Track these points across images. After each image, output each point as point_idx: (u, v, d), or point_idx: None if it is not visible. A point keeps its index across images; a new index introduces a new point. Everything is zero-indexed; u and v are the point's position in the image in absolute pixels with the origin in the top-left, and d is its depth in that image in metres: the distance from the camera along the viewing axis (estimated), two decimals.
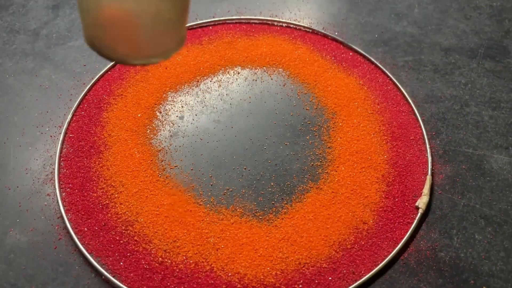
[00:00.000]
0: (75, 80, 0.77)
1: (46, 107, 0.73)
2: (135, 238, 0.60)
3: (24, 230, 0.61)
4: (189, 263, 0.58)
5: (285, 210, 0.62)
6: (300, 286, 0.56)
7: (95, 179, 0.65)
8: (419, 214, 0.62)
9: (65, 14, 0.88)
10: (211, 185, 0.64)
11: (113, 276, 0.56)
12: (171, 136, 0.69)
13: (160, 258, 0.58)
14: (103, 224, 0.61)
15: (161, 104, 0.74)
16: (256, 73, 0.77)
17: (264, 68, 0.78)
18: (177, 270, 0.57)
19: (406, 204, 0.63)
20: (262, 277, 0.57)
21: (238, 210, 0.62)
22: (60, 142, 0.68)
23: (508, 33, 0.85)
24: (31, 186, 0.65)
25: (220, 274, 0.57)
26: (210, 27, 0.85)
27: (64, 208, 0.62)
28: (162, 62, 0.79)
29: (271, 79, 0.77)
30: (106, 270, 0.57)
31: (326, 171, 0.66)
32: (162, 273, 0.57)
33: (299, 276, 0.57)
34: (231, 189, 0.64)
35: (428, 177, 0.65)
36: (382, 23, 0.86)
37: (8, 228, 0.61)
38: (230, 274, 0.57)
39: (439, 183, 0.66)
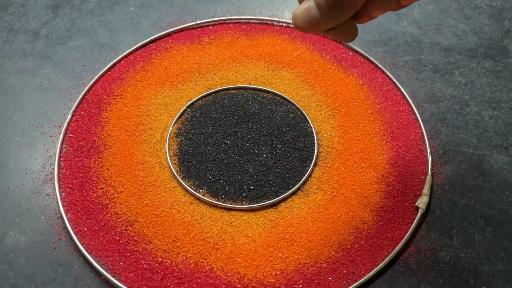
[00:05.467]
0: (74, 80, 0.77)
1: (45, 107, 0.73)
2: (135, 238, 0.60)
3: (23, 230, 0.61)
4: (189, 263, 0.57)
5: (285, 210, 0.62)
6: (300, 286, 0.56)
7: (95, 179, 0.65)
8: (419, 214, 0.62)
9: (65, 14, 0.87)
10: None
11: (113, 276, 0.56)
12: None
13: (160, 258, 0.58)
14: (103, 224, 0.61)
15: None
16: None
17: (264, 68, 0.78)
18: (177, 270, 0.57)
19: (406, 204, 0.63)
20: (262, 277, 0.57)
21: (238, 209, 0.62)
22: (59, 142, 0.68)
23: (508, 33, 0.85)
24: (30, 186, 0.65)
25: (220, 274, 0.57)
26: (210, 27, 0.85)
27: (63, 208, 0.62)
28: (162, 62, 0.79)
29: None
30: (105, 270, 0.57)
31: (325, 171, 0.66)
32: (162, 273, 0.57)
33: (299, 276, 0.57)
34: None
35: (428, 177, 0.65)
36: (382, 23, 0.86)
37: (7, 228, 0.61)
38: (230, 274, 0.57)
39: (439, 183, 0.66)
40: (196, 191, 0.63)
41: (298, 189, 0.64)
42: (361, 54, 0.81)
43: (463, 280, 0.57)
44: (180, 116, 0.72)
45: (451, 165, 0.67)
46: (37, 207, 0.63)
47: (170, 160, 0.66)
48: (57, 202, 0.63)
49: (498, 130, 0.71)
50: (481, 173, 0.67)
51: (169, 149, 0.68)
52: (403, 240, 0.60)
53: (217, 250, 0.58)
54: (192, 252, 0.58)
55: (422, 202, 0.62)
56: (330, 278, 0.57)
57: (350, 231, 0.61)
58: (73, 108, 0.72)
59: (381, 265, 0.58)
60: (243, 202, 0.63)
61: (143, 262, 0.58)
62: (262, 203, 0.62)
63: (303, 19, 0.38)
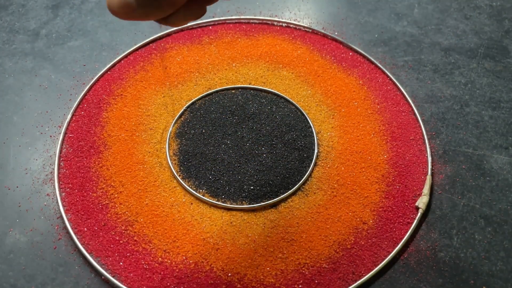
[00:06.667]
0: (74, 80, 0.77)
1: (45, 107, 0.73)
2: (135, 238, 0.60)
3: (23, 230, 0.61)
4: (188, 263, 0.57)
5: (285, 210, 0.62)
6: (300, 286, 0.56)
7: (95, 179, 0.65)
8: (419, 214, 0.62)
9: (65, 14, 0.87)
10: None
11: (113, 276, 0.56)
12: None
13: (159, 258, 0.58)
14: (103, 224, 0.61)
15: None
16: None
17: (264, 68, 0.78)
18: (177, 270, 0.57)
19: (406, 204, 0.63)
20: (262, 277, 0.57)
21: (237, 209, 0.62)
22: (59, 142, 0.68)
23: (508, 33, 0.85)
24: (30, 186, 0.65)
25: (219, 274, 0.57)
26: (210, 27, 0.85)
27: (63, 208, 0.62)
28: (162, 62, 0.79)
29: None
30: (105, 270, 0.57)
31: (325, 171, 0.66)
32: (162, 273, 0.57)
33: (299, 276, 0.57)
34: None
35: (428, 177, 0.65)
36: (382, 23, 0.86)
37: (7, 228, 0.61)
38: (230, 274, 0.57)
39: (439, 183, 0.66)
40: (196, 191, 0.63)
41: (298, 189, 0.64)
42: (361, 54, 0.81)
43: (463, 280, 0.57)
44: (180, 116, 0.72)
45: (451, 165, 0.67)
46: (37, 207, 0.63)
47: (170, 160, 0.66)
48: (57, 202, 0.63)
49: (498, 130, 0.71)
50: (481, 173, 0.67)
51: (169, 149, 0.68)
52: (403, 240, 0.60)
53: (217, 250, 0.58)
54: (192, 252, 0.58)
55: (422, 202, 0.62)
56: (330, 278, 0.57)
57: (350, 231, 0.61)
58: (73, 108, 0.72)
59: (381, 265, 0.58)
60: (243, 202, 0.63)
61: (143, 262, 0.58)
62: (262, 203, 0.62)
63: (117, 2, 0.36)
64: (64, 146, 0.69)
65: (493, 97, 0.75)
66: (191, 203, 0.63)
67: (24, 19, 0.86)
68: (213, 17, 0.87)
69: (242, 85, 0.75)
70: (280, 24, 0.86)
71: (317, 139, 0.69)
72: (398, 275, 0.57)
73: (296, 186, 0.64)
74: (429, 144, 0.69)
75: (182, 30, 0.84)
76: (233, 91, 0.75)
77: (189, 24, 0.84)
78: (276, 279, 0.56)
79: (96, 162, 0.67)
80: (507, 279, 0.57)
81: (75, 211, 0.62)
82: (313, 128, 0.70)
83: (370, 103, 0.74)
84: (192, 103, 0.73)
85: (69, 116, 0.71)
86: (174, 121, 0.71)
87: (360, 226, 0.61)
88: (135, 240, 0.59)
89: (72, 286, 0.56)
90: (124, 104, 0.73)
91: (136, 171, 0.65)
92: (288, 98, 0.74)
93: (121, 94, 0.75)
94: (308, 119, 0.71)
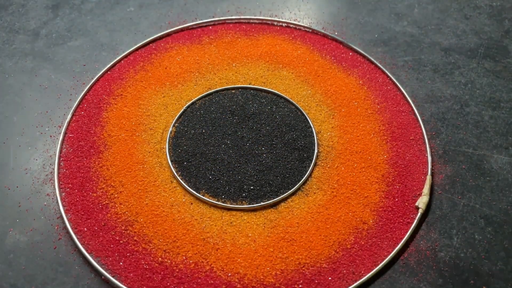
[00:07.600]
0: (74, 80, 0.77)
1: (45, 107, 0.73)
2: (135, 238, 0.60)
3: (23, 230, 0.61)
4: (188, 263, 0.57)
5: (285, 210, 0.62)
6: (300, 286, 0.56)
7: (95, 179, 0.65)
8: (419, 214, 0.62)
9: (65, 14, 0.87)
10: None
11: (113, 276, 0.56)
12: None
13: (160, 258, 0.58)
14: (103, 224, 0.61)
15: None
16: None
17: (264, 68, 0.78)
18: (177, 270, 0.57)
19: (406, 204, 0.63)
20: (262, 277, 0.57)
21: (237, 209, 0.62)
22: (59, 142, 0.68)
23: (508, 33, 0.85)
24: (30, 186, 0.65)
25: (219, 274, 0.57)
26: (210, 27, 0.85)
27: (63, 208, 0.62)
28: (162, 62, 0.79)
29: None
30: (105, 270, 0.57)
31: (325, 171, 0.66)
32: (162, 273, 0.57)
33: (299, 276, 0.57)
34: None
35: (428, 177, 0.65)
36: (382, 23, 0.86)
37: (7, 228, 0.61)
38: (229, 274, 0.57)
39: (439, 183, 0.66)
40: (196, 191, 0.63)
41: (298, 189, 0.64)
42: (361, 54, 0.81)
43: (463, 280, 0.57)
44: (180, 116, 0.72)
45: (451, 165, 0.67)
46: (37, 207, 0.63)
47: (170, 160, 0.66)
48: (57, 202, 0.63)
49: (498, 130, 0.71)
50: (481, 173, 0.67)
51: (169, 149, 0.68)
52: (403, 240, 0.60)
53: (217, 250, 0.58)
54: (192, 252, 0.58)
55: (422, 202, 0.62)
56: (330, 278, 0.57)
57: (350, 231, 0.61)
58: (73, 108, 0.72)
59: (381, 265, 0.58)
60: (243, 202, 0.63)
61: (143, 262, 0.58)
62: (262, 203, 0.62)
63: None
64: (64, 146, 0.69)
65: (493, 97, 0.76)
66: (191, 203, 0.63)
67: (24, 19, 0.86)
68: (213, 17, 0.87)
69: (242, 85, 0.76)
70: (280, 24, 0.85)
71: (317, 139, 0.69)
72: (398, 275, 0.57)
73: (296, 186, 0.64)
74: (429, 144, 0.69)
75: (182, 30, 0.84)
76: (233, 91, 0.75)
77: (188, 24, 0.84)
78: (276, 279, 0.56)
79: (96, 162, 0.67)
80: (507, 279, 0.57)
81: (75, 211, 0.62)
82: (313, 128, 0.70)
83: (370, 103, 0.74)
84: (192, 103, 0.73)
85: (69, 116, 0.71)
86: (174, 121, 0.71)
87: (360, 226, 0.61)
88: (135, 240, 0.59)
89: (72, 286, 0.56)
90: (124, 104, 0.73)
91: (136, 171, 0.65)
92: (288, 98, 0.74)
93: (121, 94, 0.75)
94: (308, 119, 0.71)
